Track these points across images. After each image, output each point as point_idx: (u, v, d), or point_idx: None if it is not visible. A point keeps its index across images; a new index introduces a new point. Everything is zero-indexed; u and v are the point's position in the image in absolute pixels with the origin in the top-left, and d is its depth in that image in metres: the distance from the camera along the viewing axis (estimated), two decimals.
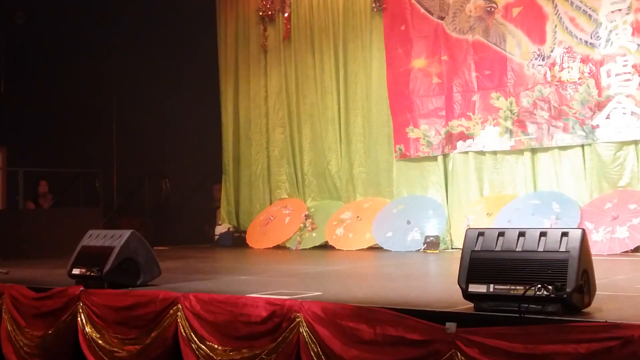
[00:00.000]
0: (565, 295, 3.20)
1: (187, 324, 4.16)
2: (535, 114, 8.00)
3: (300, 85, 9.90)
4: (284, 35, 10.03)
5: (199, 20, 10.59)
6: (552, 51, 7.91)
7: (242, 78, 10.49)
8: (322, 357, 3.64)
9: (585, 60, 7.70)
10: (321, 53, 9.69)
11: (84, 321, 4.61)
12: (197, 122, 10.48)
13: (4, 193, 10.81)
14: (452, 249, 8.13)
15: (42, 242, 8.36)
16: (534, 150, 8.09)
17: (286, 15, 10.01)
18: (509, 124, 8.16)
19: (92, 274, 4.85)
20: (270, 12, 10.15)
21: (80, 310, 4.66)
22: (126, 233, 5.02)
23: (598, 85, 7.62)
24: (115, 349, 4.42)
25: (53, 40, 10.03)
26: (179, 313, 4.21)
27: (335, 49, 9.56)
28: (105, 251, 4.88)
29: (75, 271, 4.99)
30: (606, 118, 7.57)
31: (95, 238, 5.14)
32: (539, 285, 3.22)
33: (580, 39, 7.74)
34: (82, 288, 4.75)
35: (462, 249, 3.58)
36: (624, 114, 7.47)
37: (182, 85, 10.33)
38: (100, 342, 4.50)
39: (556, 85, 7.87)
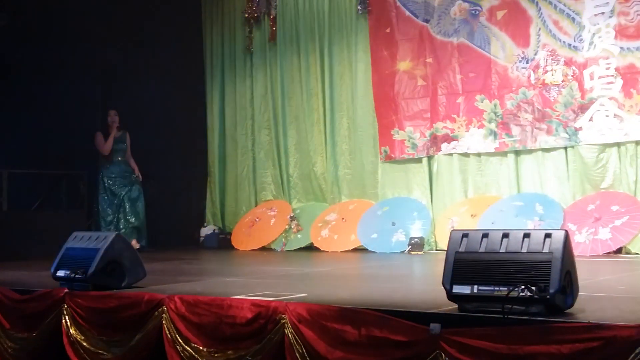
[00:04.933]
0: (548, 296, 3.23)
1: (172, 325, 4.16)
2: (519, 116, 8.05)
3: (285, 87, 9.90)
4: (270, 37, 10.03)
5: (183, 22, 10.57)
6: (535, 54, 7.96)
7: (227, 80, 10.49)
8: (307, 358, 3.65)
9: (568, 63, 7.76)
10: (307, 55, 9.70)
11: (68, 323, 4.60)
12: (182, 124, 10.46)
13: None
14: (436, 250, 8.16)
15: (26, 244, 8.31)
16: (517, 152, 8.14)
17: (272, 17, 10.01)
18: (493, 126, 8.21)
19: (76, 276, 4.84)
20: (255, 14, 10.14)
21: (65, 312, 4.64)
22: (110, 235, 5.01)
23: (581, 87, 7.67)
24: (100, 351, 4.42)
25: (37, 41, 9.98)
26: (164, 315, 4.21)
27: (320, 51, 9.58)
28: (89, 253, 4.86)
29: (60, 273, 4.98)
30: (589, 120, 7.62)
31: (80, 240, 5.13)
32: (523, 286, 3.24)
33: (564, 42, 7.80)
34: (66, 290, 4.74)
35: (447, 250, 3.61)
36: (606, 116, 7.53)
37: (167, 87, 10.30)
38: (85, 344, 4.49)
39: (540, 87, 7.92)
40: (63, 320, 4.63)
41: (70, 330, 4.58)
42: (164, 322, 4.19)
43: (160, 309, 4.23)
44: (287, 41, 9.89)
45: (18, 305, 4.93)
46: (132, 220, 9.24)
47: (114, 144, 9.37)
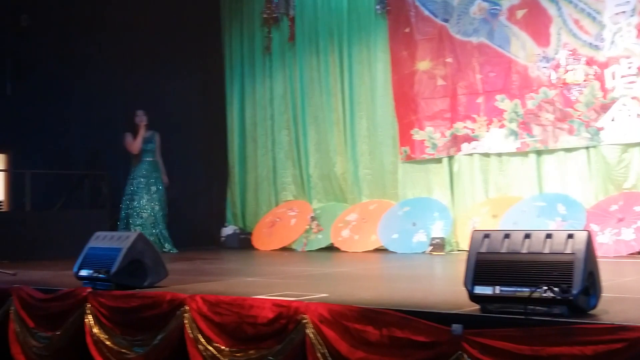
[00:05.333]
0: (571, 297, 3.21)
1: (194, 325, 4.18)
2: (540, 116, 8.01)
3: (305, 87, 9.92)
4: (289, 38, 10.06)
5: (203, 23, 10.61)
6: (556, 53, 7.92)
7: (247, 80, 10.53)
8: (329, 358, 3.65)
9: (589, 62, 7.71)
10: (326, 55, 9.72)
11: (91, 322, 4.63)
12: (202, 125, 10.51)
13: (11, 195, 10.84)
14: (457, 251, 8.14)
15: (50, 243, 8.39)
16: (539, 152, 8.10)
17: (290, 17, 10.04)
18: (514, 126, 8.17)
19: (99, 275, 4.87)
20: (274, 15, 10.18)
21: (88, 312, 4.68)
22: (133, 235, 5.04)
23: (603, 87, 7.62)
24: (123, 350, 4.44)
25: (58, 42, 10.06)
26: (186, 314, 4.23)
27: (339, 51, 9.59)
28: (112, 253, 4.90)
29: (83, 273, 5.01)
30: (611, 120, 7.58)
31: (102, 240, 5.16)
32: (545, 287, 3.23)
33: (585, 41, 7.76)
34: (89, 289, 4.77)
35: (468, 251, 3.60)
36: (629, 116, 7.47)
37: (187, 88, 10.35)
38: (108, 343, 4.52)
39: (561, 87, 7.88)
40: (86, 320, 4.66)
41: (94, 330, 4.61)
42: (186, 321, 4.21)
43: (183, 309, 4.24)
44: (306, 41, 9.91)
45: (42, 304, 4.97)
46: (151, 225, 9.16)
47: (143, 143, 9.35)
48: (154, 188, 9.29)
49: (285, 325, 3.83)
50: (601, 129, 7.62)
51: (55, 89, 10.15)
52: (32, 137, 10.02)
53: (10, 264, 6.97)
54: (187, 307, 4.23)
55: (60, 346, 4.81)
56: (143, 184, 9.28)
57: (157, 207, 9.25)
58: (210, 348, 4.09)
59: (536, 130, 8.04)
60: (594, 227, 7.22)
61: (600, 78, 7.64)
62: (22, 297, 5.08)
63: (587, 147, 7.79)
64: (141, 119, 9.42)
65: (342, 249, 8.75)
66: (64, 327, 4.78)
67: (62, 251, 7.48)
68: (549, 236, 3.42)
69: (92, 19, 10.12)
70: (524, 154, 8.17)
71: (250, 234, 9.96)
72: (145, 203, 9.21)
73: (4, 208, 10.28)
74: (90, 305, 4.68)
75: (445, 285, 5.48)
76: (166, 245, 9.15)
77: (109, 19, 10.16)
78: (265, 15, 10.24)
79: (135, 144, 9.32)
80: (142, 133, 9.35)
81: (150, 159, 9.42)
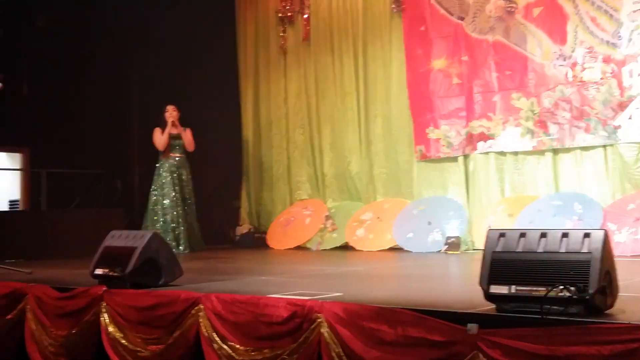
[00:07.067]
0: (587, 297, 3.18)
1: (208, 324, 4.18)
2: (556, 115, 7.95)
3: (319, 86, 9.92)
4: (303, 37, 10.05)
5: (218, 22, 10.63)
6: (573, 51, 7.86)
7: (261, 79, 10.54)
8: (344, 357, 3.64)
9: (607, 60, 7.65)
10: (340, 54, 9.71)
11: (107, 321, 4.65)
12: (217, 124, 10.53)
13: (27, 194, 10.91)
14: (473, 250, 8.10)
15: (65, 242, 8.43)
16: (555, 151, 8.04)
17: (305, 16, 10.04)
18: (530, 124, 8.13)
19: (114, 274, 4.89)
20: (289, 14, 10.17)
21: (104, 310, 4.70)
22: (148, 234, 5.06)
23: (620, 85, 7.56)
24: (138, 349, 4.46)
25: (74, 42, 10.12)
26: (200, 313, 4.23)
27: (354, 49, 9.57)
28: (127, 251, 4.91)
29: (98, 271, 5.04)
30: (628, 118, 7.51)
31: (118, 238, 5.18)
32: (561, 287, 3.21)
33: (602, 39, 7.69)
34: (105, 288, 4.79)
35: (484, 250, 3.58)
36: None
37: (202, 87, 10.37)
38: (123, 341, 4.54)
39: (578, 85, 7.82)
40: (102, 318, 4.68)
41: (109, 328, 4.63)
42: (200, 320, 4.21)
43: (197, 307, 4.25)
44: (321, 40, 9.90)
45: (57, 303, 5.00)
46: (172, 224, 8.95)
47: (171, 139, 9.15)
48: (176, 185, 9.07)
49: (299, 324, 3.83)
50: (618, 127, 7.56)
51: (70, 88, 10.21)
52: (48, 136, 10.09)
53: (26, 262, 7.00)
54: (201, 306, 4.24)
55: (75, 344, 4.83)
56: (168, 181, 9.08)
57: (178, 206, 9.02)
58: (225, 347, 4.09)
59: (552, 128, 7.99)
60: (610, 226, 7.16)
61: (617, 76, 7.58)
62: (37, 295, 5.11)
63: (604, 146, 7.72)
64: (170, 114, 9.19)
65: (357, 247, 8.74)
66: (80, 326, 4.80)
67: (78, 250, 7.52)
68: (565, 235, 3.40)
69: (107, 18, 10.17)
70: (540, 152, 8.12)
71: (265, 233, 9.96)
72: (169, 201, 9.03)
73: (20, 207, 10.35)
74: (105, 304, 4.70)
75: (461, 285, 5.46)
76: (181, 245, 8.88)
77: (124, 18, 10.21)
78: (280, 14, 10.24)
79: (160, 140, 9.12)
80: (169, 129, 9.15)
81: (177, 156, 9.21)
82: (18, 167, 10.91)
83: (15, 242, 8.00)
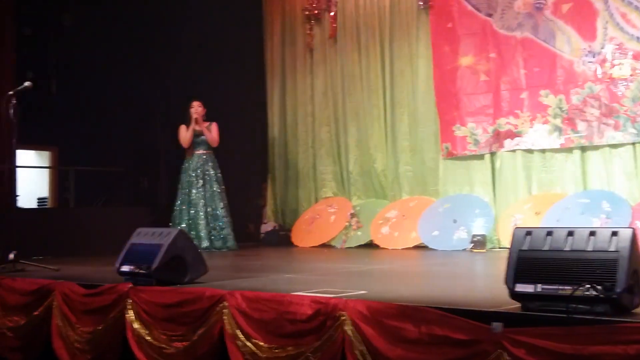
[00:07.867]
0: (614, 296, 3.15)
1: (233, 321, 4.19)
2: (585, 112, 7.86)
3: (346, 84, 9.90)
4: (330, 34, 10.04)
5: (245, 20, 10.66)
6: (602, 48, 7.76)
7: (288, 77, 10.54)
8: (368, 355, 3.63)
9: (637, 56, 7.55)
10: (367, 51, 9.68)
11: (132, 317, 4.68)
12: (243, 121, 10.55)
13: (56, 192, 11.03)
14: (499, 248, 8.04)
15: (92, 240, 8.51)
16: (583, 149, 7.95)
17: (332, 14, 10.02)
18: (558, 121, 8.05)
19: (140, 271, 4.92)
20: (316, 11, 10.16)
21: (129, 307, 4.72)
22: (174, 231, 5.09)
23: None
24: (163, 346, 4.48)
25: (101, 41, 10.21)
26: (225, 310, 4.24)
27: (381, 47, 9.54)
28: (153, 249, 4.94)
29: (124, 268, 5.07)
30: None
31: (144, 236, 5.22)
32: (588, 286, 3.17)
33: (632, 35, 7.59)
34: (131, 285, 4.82)
35: (510, 248, 3.55)
36: None
37: (228, 84, 10.40)
38: (148, 338, 4.56)
39: (607, 82, 7.73)
40: (127, 315, 4.71)
41: (134, 325, 4.66)
42: (225, 317, 4.22)
43: (222, 305, 4.26)
44: (348, 37, 9.88)
45: (84, 299, 5.04)
46: (200, 222, 8.86)
47: (195, 136, 9.04)
48: (200, 182, 8.96)
49: (323, 322, 3.82)
50: None
51: (98, 87, 10.29)
52: (76, 134, 10.18)
53: (53, 259, 7.07)
54: (226, 303, 4.25)
55: (101, 341, 4.87)
56: (193, 178, 8.99)
57: (201, 204, 8.91)
58: (249, 344, 4.09)
59: (581, 126, 7.90)
60: (639, 225, 7.07)
61: None
62: (64, 292, 5.16)
63: (633, 143, 7.62)
64: (195, 110, 9.07)
65: (382, 245, 8.72)
66: (105, 322, 4.83)
67: (104, 247, 7.59)
68: (592, 234, 3.36)
69: (133, 16, 10.24)
70: (568, 150, 8.04)
71: (289, 230, 9.96)
72: (193, 199, 8.94)
73: (49, 204, 10.47)
74: (131, 301, 4.73)
75: (486, 283, 5.42)
76: (203, 243, 8.67)
77: (151, 16, 10.26)
78: (306, 12, 10.23)
79: (184, 138, 9.03)
80: (193, 126, 9.03)
81: (202, 152, 9.09)
82: (47, 165, 11.03)
83: (43, 239, 8.07)
